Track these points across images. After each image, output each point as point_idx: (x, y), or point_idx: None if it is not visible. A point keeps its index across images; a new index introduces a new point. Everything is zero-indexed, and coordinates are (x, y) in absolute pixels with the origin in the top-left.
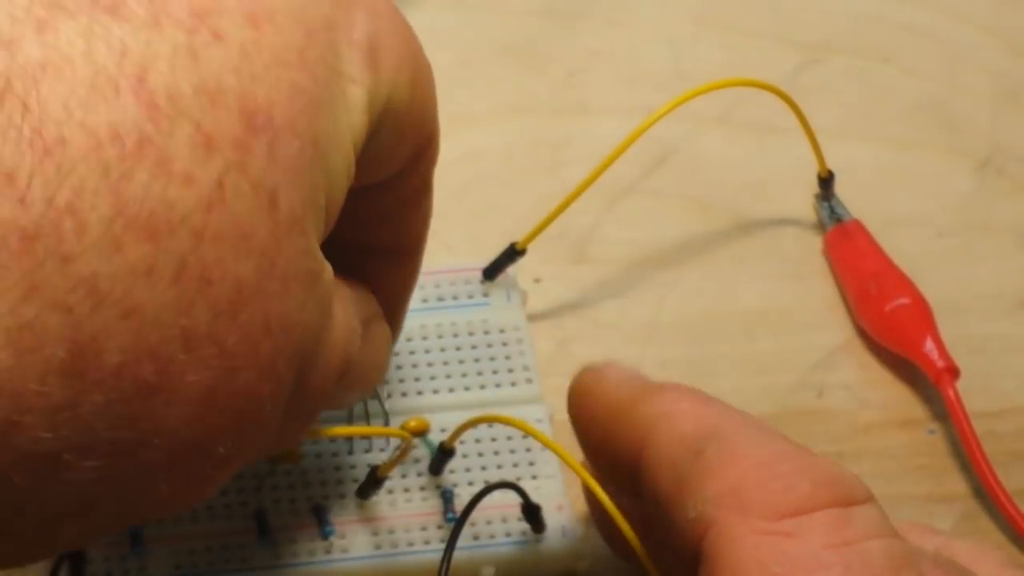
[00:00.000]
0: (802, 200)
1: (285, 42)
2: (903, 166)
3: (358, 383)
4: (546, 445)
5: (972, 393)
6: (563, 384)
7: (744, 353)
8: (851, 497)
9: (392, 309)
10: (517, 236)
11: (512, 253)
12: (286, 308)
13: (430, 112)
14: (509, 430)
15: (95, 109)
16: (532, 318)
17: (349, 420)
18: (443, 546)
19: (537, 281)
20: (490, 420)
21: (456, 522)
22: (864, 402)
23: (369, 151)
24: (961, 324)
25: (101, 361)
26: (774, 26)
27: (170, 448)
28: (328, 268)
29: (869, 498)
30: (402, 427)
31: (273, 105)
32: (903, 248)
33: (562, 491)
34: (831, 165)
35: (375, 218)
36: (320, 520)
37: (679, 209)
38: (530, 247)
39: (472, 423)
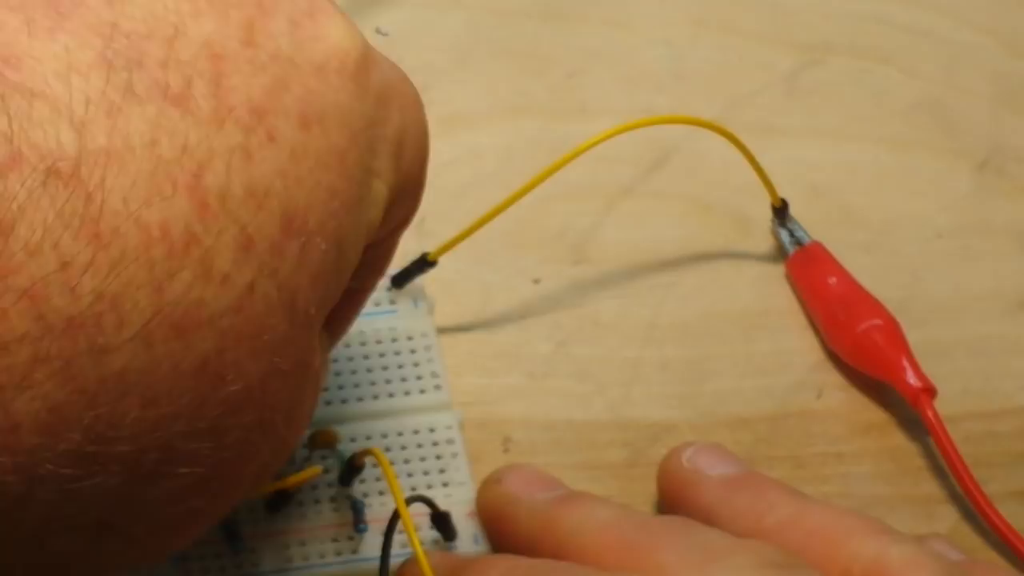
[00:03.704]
0: (801, 200)
1: (330, 145)
2: (902, 167)
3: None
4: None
5: (972, 394)
6: (564, 385)
7: (743, 354)
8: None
9: (338, 336)
10: (515, 237)
11: (423, 264)
12: (278, 401)
13: (424, 183)
14: (419, 438)
15: (151, 204)
16: (531, 319)
17: None
18: (355, 557)
19: (537, 281)
20: None
21: (383, 545)
22: (864, 402)
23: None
24: (960, 325)
25: (111, 450)
26: (773, 26)
27: (144, 530)
28: (319, 352)
29: None
30: (310, 439)
31: (310, 209)
32: (902, 248)
33: (473, 498)
34: (831, 165)
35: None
36: (230, 535)
37: (679, 209)
38: (530, 247)
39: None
